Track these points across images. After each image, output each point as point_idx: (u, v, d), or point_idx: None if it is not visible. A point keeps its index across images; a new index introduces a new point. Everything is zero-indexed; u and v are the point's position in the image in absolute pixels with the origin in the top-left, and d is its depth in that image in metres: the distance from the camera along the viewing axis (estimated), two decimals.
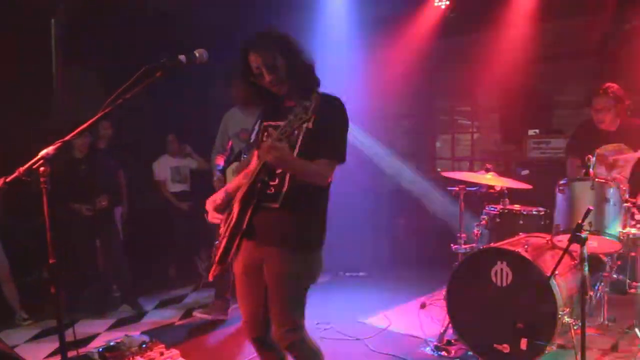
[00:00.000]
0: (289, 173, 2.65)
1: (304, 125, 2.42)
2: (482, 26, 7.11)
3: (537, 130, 6.84)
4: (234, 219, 2.71)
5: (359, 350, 4.25)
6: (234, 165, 4.74)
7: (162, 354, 3.93)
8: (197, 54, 2.81)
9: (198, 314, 4.95)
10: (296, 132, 2.46)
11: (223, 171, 4.88)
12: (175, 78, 2.74)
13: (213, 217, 2.85)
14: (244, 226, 2.69)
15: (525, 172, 6.45)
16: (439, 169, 7.92)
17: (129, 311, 5.43)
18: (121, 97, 2.58)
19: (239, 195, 2.72)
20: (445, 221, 6.43)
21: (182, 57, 2.76)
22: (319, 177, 2.66)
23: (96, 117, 2.56)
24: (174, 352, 4.01)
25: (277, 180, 2.68)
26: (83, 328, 4.97)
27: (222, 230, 2.81)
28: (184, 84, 4.72)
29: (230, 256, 2.77)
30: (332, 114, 2.67)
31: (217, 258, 2.77)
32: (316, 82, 2.77)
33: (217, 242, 2.82)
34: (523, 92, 7.14)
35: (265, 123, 2.88)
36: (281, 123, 2.49)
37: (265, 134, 2.83)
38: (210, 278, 2.88)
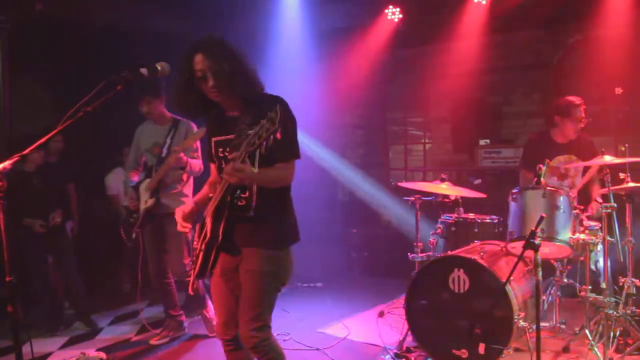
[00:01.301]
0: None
1: (271, 137, 2.46)
2: (434, 38, 7.29)
3: (487, 140, 7.01)
4: (208, 233, 2.76)
5: (317, 359, 4.27)
6: (147, 181, 4.70)
7: None
8: (159, 67, 2.80)
9: (155, 342, 4.83)
10: (257, 143, 2.47)
11: (136, 187, 4.80)
12: (130, 89, 2.73)
13: (182, 226, 2.89)
14: (220, 238, 2.74)
15: (478, 181, 6.61)
16: (391, 180, 8.03)
17: (82, 328, 5.30)
18: (82, 109, 2.55)
19: (210, 209, 2.75)
20: (400, 230, 6.52)
21: (143, 70, 2.75)
22: (283, 180, 2.79)
23: (56, 129, 2.54)
24: None
25: (247, 193, 2.73)
26: (36, 347, 4.81)
27: (196, 244, 2.86)
28: (139, 95, 4.65)
29: (209, 269, 2.83)
30: (282, 115, 2.66)
31: (196, 272, 2.82)
32: (260, 89, 2.82)
33: (193, 257, 2.86)
34: (473, 103, 7.34)
35: (214, 139, 2.90)
36: (230, 136, 2.65)
37: (221, 150, 2.84)
38: (191, 291, 2.96)
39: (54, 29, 5.90)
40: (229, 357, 3.04)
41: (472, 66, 7.13)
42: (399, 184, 4.89)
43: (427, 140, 8.32)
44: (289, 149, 2.75)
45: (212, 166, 3.02)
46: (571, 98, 4.90)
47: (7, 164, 2.42)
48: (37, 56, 6.02)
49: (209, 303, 4.84)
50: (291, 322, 4.94)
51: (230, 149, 2.74)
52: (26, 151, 2.48)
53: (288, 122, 2.74)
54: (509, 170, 6.40)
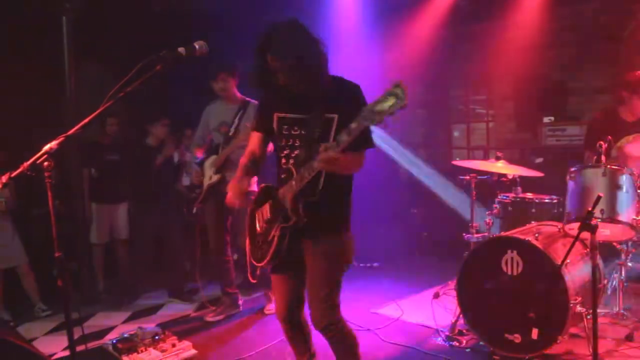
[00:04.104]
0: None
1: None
2: (495, 13, 7.05)
3: (552, 118, 6.73)
4: (290, 215, 2.78)
5: (370, 340, 4.24)
6: (212, 158, 4.77)
7: (174, 345, 3.97)
8: (197, 46, 2.81)
9: (210, 318, 4.94)
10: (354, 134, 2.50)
11: (201, 164, 4.89)
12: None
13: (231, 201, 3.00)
14: (304, 220, 2.78)
15: (540, 160, 6.38)
16: (457, 159, 7.86)
17: (146, 306, 5.48)
18: (122, 90, 2.60)
19: (290, 192, 2.77)
20: (459, 210, 6.40)
21: (181, 50, 2.77)
22: (358, 167, 2.83)
23: (98, 110, 2.59)
24: (186, 343, 4.04)
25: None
26: (100, 321, 5.04)
27: (259, 230, 2.96)
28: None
29: (282, 253, 2.87)
30: (358, 102, 2.75)
31: (269, 257, 2.87)
32: (327, 74, 2.82)
33: (256, 244, 2.96)
34: (538, 80, 7.07)
35: (277, 114, 2.93)
36: (300, 116, 2.80)
37: (287, 127, 2.88)
38: (254, 279, 3.09)
39: (114, 14, 6.05)
40: (289, 339, 3.18)
41: (537, 41, 6.85)
42: (453, 162, 4.77)
43: (489, 119, 8.08)
44: (367, 139, 2.76)
45: (257, 135, 3.06)
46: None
47: (53, 144, 2.50)
48: (99, 41, 6.20)
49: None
50: (345, 302, 4.81)
51: (306, 136, 2.80)
52: (70, 132, 2.55)
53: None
54: (573, 149, 6.13)
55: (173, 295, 5.64)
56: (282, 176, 2.86)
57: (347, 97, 2.79)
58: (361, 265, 6.41)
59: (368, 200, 6.01)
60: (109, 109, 2.59)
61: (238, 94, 4.82)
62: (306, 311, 3.07)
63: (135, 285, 5.79)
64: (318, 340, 3.12)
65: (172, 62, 2.67)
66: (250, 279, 3.06)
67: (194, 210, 5.03)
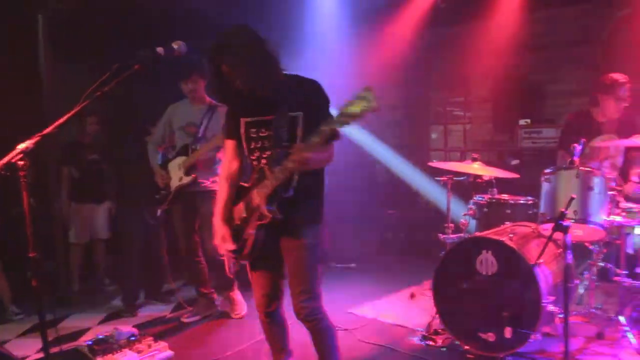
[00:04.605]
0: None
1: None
2: (474, 15, 7.09)
3: (528, 120, 6.82)
4: (264, 214, 2.87)
5: (346, 340, 4.26)
6: (181, 159, 4.74)
7: (150, 346, 3.95)
8: (175, 46, 2.82)
9: (186, 319, 4.92)
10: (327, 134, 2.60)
11: (165, 165, 4.86)
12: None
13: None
14: (279, 216, 2.86)
15: (516, 161, 6.45)
16: (434, 160, 7.92)
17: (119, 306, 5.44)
18: (99, 90, 2.60)
19: (262, 193, 2.85)
20: (437, 211, 6.44)
21: (159, 50, 2.78)
22: (329, 160, 2.95)
23: (74, 110, 2.58)
24: (163, 344, 4.03)
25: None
26: (75, 322, 5.00)
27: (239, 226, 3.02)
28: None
29: (256, 250, 2.97)
30: (319, 97, 2.92)
31: (245, 253, 2.99)
32: (280, 74, 2.91)
33: (237, 242, 3.02)
34: (516, 82, 7.14)
35: (244, 119, 3.01)
36: (265, 118, 2.89)
37: (254, 130, 2.96)
38: (232, 275, 3.36)
39: (93, 11, 5.99)
40: (267, 329, 3.26)
41: (515, 43, 6.91)
42: (430, 163, 4.81)
43: (467, 121, 8.16)
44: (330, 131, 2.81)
45: (231, 143, 3.12)
46: (616, 76, 4.71)
47: (29, 143, 2.49)
48: (76, 40, 6.13)
49: (236, 285, 4.91)
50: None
51: (275, 137, 2.87)
52: (46, 131, 2.54)
53: (327, 104, 2.90)
54: (548, 151, 6.22)
55: (150, 296, 5.62)
56: (255, 176, 2.94)
57: (309, 93, 2.90)
58: (338, 265, 6.43)
59: (345, 201, 6.05)
60: (87, 108, 2.59)
61: (206, 97, 4.80)
62: (286, 307, 3.15)
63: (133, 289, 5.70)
64: (297, 338, 3.16)
65: (151, 61, 2.67)
66: (228, 274, 3.13)
67: (159, 213, 4.99)
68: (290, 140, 2.84)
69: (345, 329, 4.46)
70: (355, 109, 2.42)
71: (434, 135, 8.55)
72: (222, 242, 3.05)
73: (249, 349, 4.19)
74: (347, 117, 2.45)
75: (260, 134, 2.95)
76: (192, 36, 3.01)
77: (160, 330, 4.66)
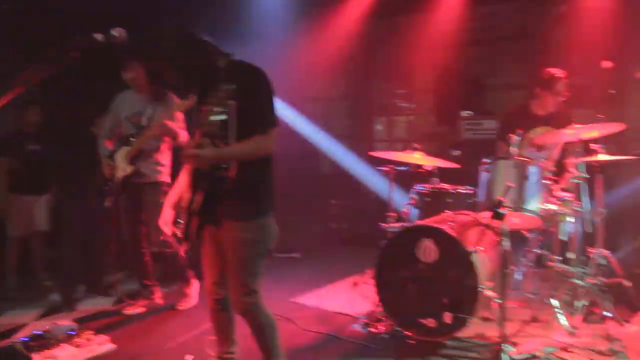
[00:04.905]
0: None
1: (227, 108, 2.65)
2: (417, 9, 7.19)
3: (470, 112, 6.96)
4: (190, 203, 2.88)
5: (289, 329, 4.27)
6: (125, 149, 4.66)
7: (89, 340, 3.88)
8: (115, 33, 2.76)
9: (129, 312, 4.83)
10: (223, 116, 2.63)
11: (111, 156, 4.76)
12: None
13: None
14: (198, 208, 2.85)
15: (457, 152, 6.58)
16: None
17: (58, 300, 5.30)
18: (33, 77, 2.53)
19: (190, 180, 2.88)
20: (379, 202, 6.51)
21: (97, 36, 2.71)
22: (259, 152, 2.85)
23: (4, 98, 2.50)
24: (103, 337, 3.96)
25: (226, 164, 2.79)
26: (10, 319, 4.83)
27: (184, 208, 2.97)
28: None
29: (191, 236, 2.94)
30: (252, 84, 2.83)
31: (182, 237, 2.96)
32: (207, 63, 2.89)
33: (180, 221, 2.98)
34: (457, 75, 7.28)
35: (203, 107, 2.94)
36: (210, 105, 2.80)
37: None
38: (183, 253, 3.50)
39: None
40: (215, 317, 3.23)
41: (457, 37, 7.05)
42: (370, 153, 4.86)
43: (411, 112, 8.26)
44: (265, 120, 2.82)
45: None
46: (553, 71, 4.86)
47: None
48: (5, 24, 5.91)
49: (192, 278, 4.87)
50: (264, 292, 4.91)
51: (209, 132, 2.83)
52: None
53: (259, 91, 2.83)
54: (489, 142, 6.36)
55: (91, 290, 5.49)
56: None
57: (242, 81, 2.80)
58: (280, 256, 6.42)
59: (288, 192, 6.05)
60: (28, 97, 2.51)
61: (150, 84, 4.72)
62: None
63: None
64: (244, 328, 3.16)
65: (87, 48, 2.61)
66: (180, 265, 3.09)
67: (106, 204, 4.89)
68: (224, 129, 2.76)
69: (288, 318, 4.47)
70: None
71: (378, 127, 8.63)
72: (163, 225, 3.02)
73: (192, 340, 4.15)
74: None
75: (204, 122, 2.89)
76: (135, 24, 2.95)
77: (101, 324, 4.55)
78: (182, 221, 2.94)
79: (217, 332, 3.29)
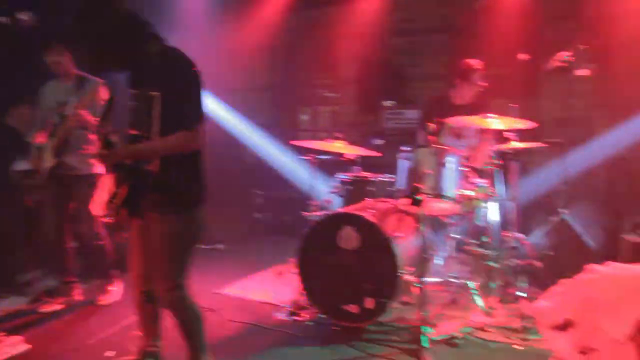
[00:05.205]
0: None
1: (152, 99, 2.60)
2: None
3: (392, 102, 7.09)
4: (114, 196, 2.80)
5: (213, 320, 4.21)
6: (50, 141, 4.49)
7: (0, 341, 3.72)
8: (23, 17, 2.65)
9: (47, 309, 4.66)
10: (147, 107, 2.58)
11: (40, 148, 4.58)
12: None
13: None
14: (121, 202, 2.78)
15: (380, 141, 6.69)
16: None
17: None
18: None
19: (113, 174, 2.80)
20: (302, 191, 6.52)
21: (2, 19, 2.60)
22: (182, 148, 2.75)
23: None
24: (17, 338, 3.81)
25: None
26: None
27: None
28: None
29: (122, 226, 3.01)
30: (181, 76, 2.74)
31: (110, 222, 2.88)
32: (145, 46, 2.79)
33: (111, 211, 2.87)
34: (380, 65, 7.40)
35: (132, 90, 2.87)
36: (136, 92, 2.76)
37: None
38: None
39: None
40: (140, 310, 3.17)
41: (379, 28, 7.16)
42: (292, 142, 4.87)
43: (335, 102, 8.31)
44: (185, 117, 2.71)
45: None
46: (471, 62, 5.00)
47: None
48: None
49: (115, 277, 4.75)
50: (189, 284, 4.89)
51: (132, 122, 2.78)
52: None
53: (193, 86, 2.74)
54: (411, 131, 6.50)
55: (4, 289, 5.25)
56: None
57: (168, 71, 2.73)
58: (204, 247, 6.31)
59: (212, 182, 5.97)
60: None
61: (74, 70, 4.54)
62: None
63: None
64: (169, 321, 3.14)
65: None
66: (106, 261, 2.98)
67: (27, 199, 4.70)
68: (148, 120, 2.69)
69: (212, 310, 4.42)
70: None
71: (302, 117, 8.64)
72: (94, 209, 2.96)
73: (114, 336, 4.04)
74: None
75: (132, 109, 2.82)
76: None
77: (15, 324, 4.35)
78: (112, 212, 2.85)
79: (142, 325, 3.23)
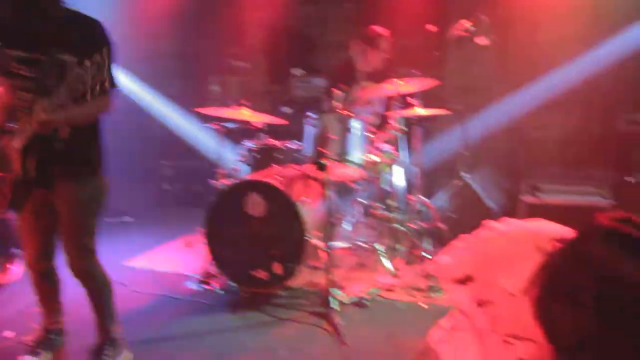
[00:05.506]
0: None
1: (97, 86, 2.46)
2: None
3: (301, 70, 7.08)
4: (18, 169, 2.64)
5: (122, 293, 4.06)
6: None
7: None
8: None
9: None
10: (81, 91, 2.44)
11: None
12: None
13: None
14: (33, 174, 2.66)
15: (288, 110, 6.68)
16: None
17: None
18: None
19: (18, 144, 2.61)
20: (210, 160, 6.44)
21: None
22: (99, 112, 2.77)
23: None
24: None
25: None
26: None
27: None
28: None
29: (22, 205, 2.78)
30: (97, 41, 2.62)
31: (5, 206, 2.74)
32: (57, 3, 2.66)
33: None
34: (289, 34, 7.36)
35: (9, 50, 2.65)
36: (36, 56, 2.58)
37: (23, 68, 2.63)
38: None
39: None
40: (38, 289, 3.09)
41: None
42: (198, 109, 4.78)
43: (243, 71, 8.20)
44: (104, 82, 2.56)
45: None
46: (377, 29, 5.05)
47: None
48: None
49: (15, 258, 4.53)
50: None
51: (39, 88, 2.59)
52: None
53: (105, 49, 2.57)
54: (318, 99, 6.53)
55: None
56: (17, 120, 2.66)
57: (84, 35, 2.64)
58: (111, 220, 6.13)
59: (118, 154, 5.78)
60: None
61: None
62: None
63: None
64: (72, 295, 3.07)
65: None
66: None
67: None
68: (57, 87, 2.52)
69: (121, 283, 4.30)
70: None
71: (211, 86, 8.48)
72: None
73: (14, 315, 3.84)
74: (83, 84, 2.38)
75: (29, 74, 2.63)
76: None
77: None
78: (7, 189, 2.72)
79: (41, 303, 3.15)
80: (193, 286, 4.25)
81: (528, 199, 5.16)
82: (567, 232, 1.47)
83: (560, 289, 1.40)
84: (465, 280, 1.90)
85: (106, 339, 3.05)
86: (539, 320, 1.42)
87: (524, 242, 1.73)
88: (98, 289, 3.00)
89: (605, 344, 1.32)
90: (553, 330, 1.41)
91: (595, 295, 1.31)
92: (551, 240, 1.48)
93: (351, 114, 4.21)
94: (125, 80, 6.78)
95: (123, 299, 3.97)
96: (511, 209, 5.20)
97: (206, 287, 4.21)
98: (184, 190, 6.82)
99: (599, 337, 1.32)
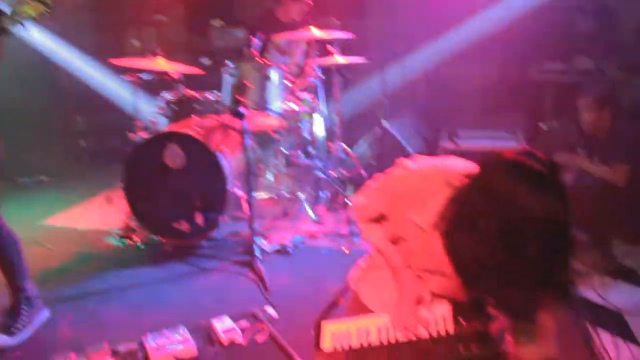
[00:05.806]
0: None
1: None
2: None
3: (220, 21, 6.94)
4: None
5: (41, 253, 4.02)
6: None
7: None
8: None
9: None
10: None
11: None
12: None
13: None
14: None
15: (208, 61, 6.55)
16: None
17: None
18: None
19: None
20: (127, 114, 6.24)
21: None
22: None
23: None
24: None
25: None
26: None
27: None
28: None
29: None
30: None
31: None
32: None
33: None
34: None
35: None
36: None
37: None
38: None
39: None
40: None
41: None
42: (110, 60, 4.60)
43: (161, 23, 7.93)
44: None
45: None
46: None
47: None
48: None
49: None
50: (10, 218, 4.58)
51: None
52: None
53: None
54: (239, 49, 6.41)
55: None
56: None
57: None
58: (26, 180, 5.89)
59: (26, 113, 5.53)
60: None
61: None
62: None
63: None
64: None
65: None
66: None
67: None
68: None
69: (39, 242, 4.19)
70: (30, 10, 2.17)
71: (129, 39, 8.17)
72: None
73: None
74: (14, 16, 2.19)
75: None
76: None
77: None
78: None
79: None
80: (114, 242, 4.19)
81: (447, 145, 5.28)
82: (476, 168, 1.51)
83: (465, 219, 1.44)
84: (379, 219, 1.94)
85: (21, 298, 2.97)
86: (447, 253, 1.47)
87: (434, 178, 1.77)
88: (4, 248, 2.91)
89: (506, 271, 1.38)
90: (459, 261, 1.45)
91: (495, 224, 1.36)
92: (460, 175, 1.51)
93: (269, 63, 4.17)
94: (37, 34, 6.43)
95: (42, 258, 3.93)
96: (431, 156, 5.30)
97: (127, 242, 4.15)
98: (100, 145, 6.61)
99: (500, 265, 1.37)
